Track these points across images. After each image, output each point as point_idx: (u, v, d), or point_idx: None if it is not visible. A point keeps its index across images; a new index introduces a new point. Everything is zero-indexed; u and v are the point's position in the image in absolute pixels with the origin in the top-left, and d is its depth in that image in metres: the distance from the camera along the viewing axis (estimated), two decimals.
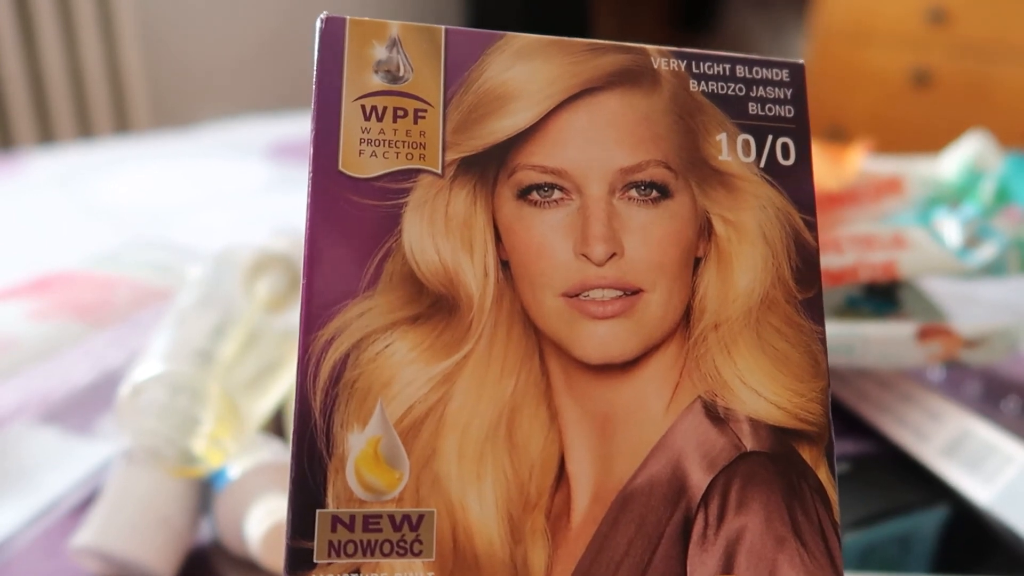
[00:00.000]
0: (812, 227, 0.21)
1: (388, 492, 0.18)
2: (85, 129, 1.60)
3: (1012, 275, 0.40)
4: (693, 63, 0.21)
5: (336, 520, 0.18)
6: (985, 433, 0.33)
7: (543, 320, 0.19)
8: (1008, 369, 0.48)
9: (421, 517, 0.18)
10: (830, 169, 0.46)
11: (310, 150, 0.19)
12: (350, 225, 0.19)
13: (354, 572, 0.17)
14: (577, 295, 0.19)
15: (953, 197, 0.46)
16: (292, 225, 0.61)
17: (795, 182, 0.21)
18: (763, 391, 0.19)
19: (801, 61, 0.22)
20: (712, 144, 0.21)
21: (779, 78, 0.21)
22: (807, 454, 0.19)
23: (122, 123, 1.65)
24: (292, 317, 0.41)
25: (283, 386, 0.37)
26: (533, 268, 0.19)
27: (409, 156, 0.19)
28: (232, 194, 0.80)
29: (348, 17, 0.20)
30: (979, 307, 0.56)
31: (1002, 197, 0.43)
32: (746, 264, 0.20)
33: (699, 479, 0.19)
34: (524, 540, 0.18)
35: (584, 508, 0.19)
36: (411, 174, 0.19)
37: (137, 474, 0.32)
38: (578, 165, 0.20)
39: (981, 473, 0.32)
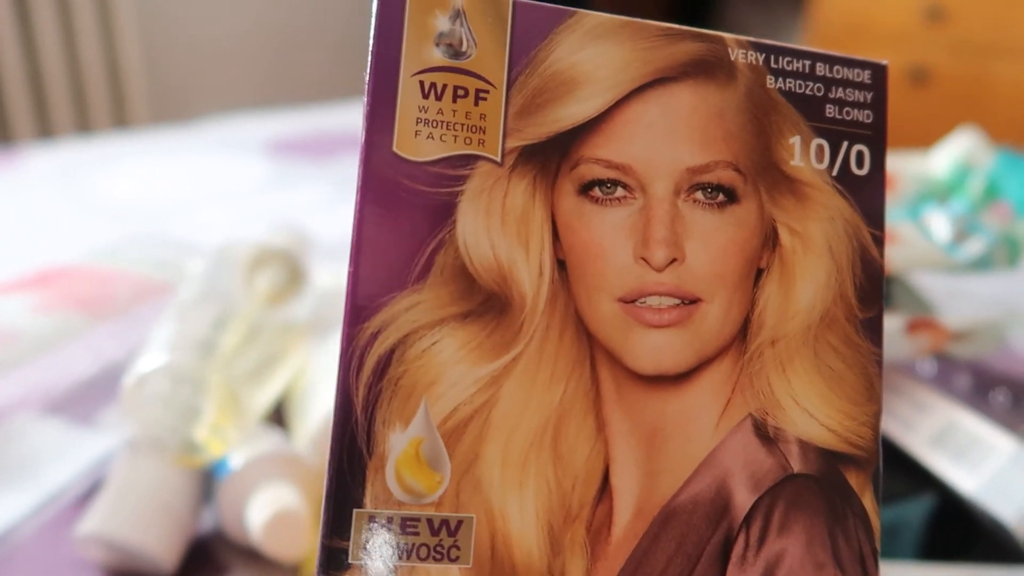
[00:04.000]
0: (879, 242, 0.20)
1: (428, 495, 0.17)
2: (84, 124, 1.60)
3: (999, 270, 0.40)
4: (772, 57, 0.19)
5: (373, 520, 0.17)
6: (970, 424, 0.33)
7: (597, 325, 0.18)
8: (997, 362, 0.49)
9: (460, 523, 0.17)
10: None
11: (363, 126, 0.17)
12: (402, 212, 0.17)
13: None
14: (633, 301, 0.18)
15: (942, 193, 0.46)
16: (291, 221, 0.62)
17: (867, 194, 0.20)
18: (816, 413, 0.19)
19: (885, 62, 0.20)
20: (785, 147, 0.19)
21: (860, 79, 0.20)
22: (854, 479, 0.19)
23: (121, 118, 1.65)
24: (292, 311, 0.42)
25: (283, 378, 0.37)
26: (590, 269, 0.18)
27: (468, 141, 0.18)
28: (230, 190, 0.80)
29: None
30: (969, 302, 0.57)
31: (991, 193, 0.44)
32: (809, 278, 0.19)
33: (743, 499, 0.18)
34: (563, 552, 0.18)
35: (625, 522, 0.18)
36: (469, 160, 0.18)
37: (141, 463, 0.32)
38: (644, 162, 0.18)
39: (966, 463, 0.32)
